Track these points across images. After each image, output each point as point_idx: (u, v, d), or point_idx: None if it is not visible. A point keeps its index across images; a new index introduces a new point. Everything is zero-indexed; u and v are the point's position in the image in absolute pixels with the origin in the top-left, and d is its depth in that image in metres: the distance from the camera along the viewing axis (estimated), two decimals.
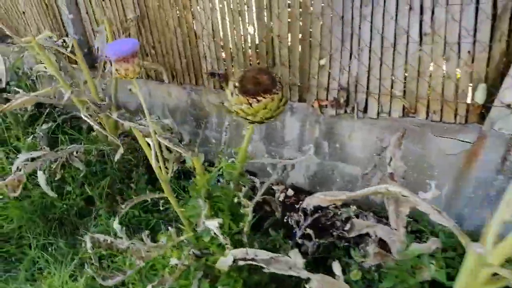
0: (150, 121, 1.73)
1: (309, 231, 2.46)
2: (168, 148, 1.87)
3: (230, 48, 2.49)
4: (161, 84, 3.07)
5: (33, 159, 2.71)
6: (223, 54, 2.55)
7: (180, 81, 2.91)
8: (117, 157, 2.64)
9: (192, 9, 2.52)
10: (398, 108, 2.02)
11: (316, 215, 2.55)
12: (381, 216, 2.40)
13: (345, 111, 2.19)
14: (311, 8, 2.07)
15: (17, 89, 2.71)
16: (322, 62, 2.14)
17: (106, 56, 1.54)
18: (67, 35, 3.53)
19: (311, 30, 2.12)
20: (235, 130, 2.79)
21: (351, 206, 2.53)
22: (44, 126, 3.30)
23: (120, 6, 2.91)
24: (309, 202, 1.45)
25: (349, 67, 2.09)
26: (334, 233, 2.43)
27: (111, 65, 2.86)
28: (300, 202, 2.68)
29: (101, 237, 1.94)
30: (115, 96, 2.95)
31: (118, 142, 2.61)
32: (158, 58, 2.93)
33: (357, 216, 2.44)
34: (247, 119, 1.30)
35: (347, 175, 2.44)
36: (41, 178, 2.60)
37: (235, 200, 1.75)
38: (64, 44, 3.16)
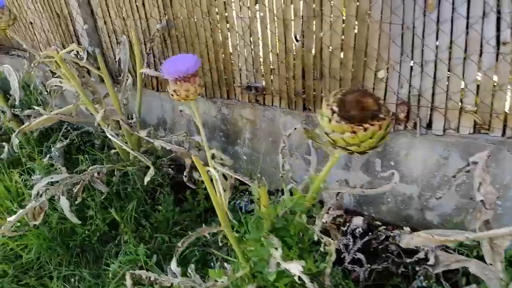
0: (206, 147, 1.53)
1: (359, 255, 2.27)
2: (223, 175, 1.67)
3: (270, 60, 2.30)
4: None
5: (53, 183, 2.50)
6: (262, 67, 2.36)
7: (210, 95, 2.71)
8: (147, 179, 2.44)
9: (227, 18, 2.33)
10: (468, 123, 1.85)
11: (366, 238, 2.36)
12: None
13: (405, 127, 2.01)
14: (369, 16, 1.89)
15: (36, 108, 2.49)
16: (381, 74, 1.96)
17: (163, 76, 1.33)
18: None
19: (367, 39, 1.94)
20: (266, 146, 2.61)
21: (404, 227, 2.35)
22: (59, 145, 3.07)
23: (143, 15, 2.72)
24: (409, 242, 1.26)
25: (410, 79, 1.91)
26: (389, 258, 2.24)
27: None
28: (347, 223, 2.49)
29: (143, 273, 1.74)
30: (139, 112, 2.74)
31: (148, 163, 2.40)
32: None
33: None
34: (348, 150, 1.11)
35: (401, 194, 2.26)
36: (65, 204, 2.38)
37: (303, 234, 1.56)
38: (79, 56, 2.96)
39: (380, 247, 2.31)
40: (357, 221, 2.46)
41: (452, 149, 1.93)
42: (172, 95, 1.38)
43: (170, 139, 2.69)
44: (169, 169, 3.07)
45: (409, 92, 1.94)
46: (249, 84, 2.46)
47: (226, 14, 2.32)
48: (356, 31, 1.95)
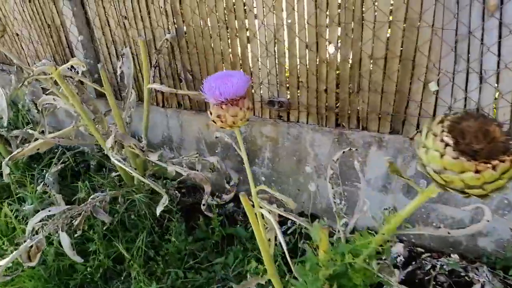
0: (251, 181, 1.26)
1: None
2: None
3: (298, 72, 2.05)
4: (197, 115, 2.59)
5: (50, 216, 2.18)
6: (288, 79, 2.11)
7: None
8: (160, 208, 2.14)
9: (249, 26, 2.08)
10: None
11: (410, 267, 2.11)
12: (495, 268, 1.98)
13: None
14: (419, 22, 1.66)
15: (31, 131, 2.18)
16: (433, 87, 1.73)
17: (205, 98, 1.07)
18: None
19: (416, 47, 1.71)
20: (289, 166, 2.35)
21: (451, 255, 2.11)
22: (53, 169, 2.75)
23: (149, 24, 2.44)
24: None
25: (466, 90, 1.68)
26: None
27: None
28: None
29: None
30: (146, 133, 2.45)
31: (162, 191, 2.11)
32: (196, 85, 2.46)
33: (465, 269, 2.01)
34: (465, 193, 0.85)
35: (448, 219, 2.02)
36: (65, 241, 2.07)
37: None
38: (73, 70, 2.66)
39: (426, 278, 2.06)
40: (398, 248, 2.21)
41: None
42: (215, 122, 1.11)
43: (181, 161, 2.41)
44: (176, 191, 2.78)
45: (465, 105, 1.71)
46: (272, 99, 2.20)
47: (247, 21, 2.07)
48: (403, 37, 1.72)
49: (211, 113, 1.12)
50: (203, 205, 2.21)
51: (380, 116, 1.93)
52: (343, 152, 1.54)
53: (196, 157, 2.41)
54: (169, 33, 2.31)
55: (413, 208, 1.09)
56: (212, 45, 2.26)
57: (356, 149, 2.02)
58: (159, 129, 2.91)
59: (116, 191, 2.45)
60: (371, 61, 1.82)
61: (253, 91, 2.29)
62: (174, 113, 2.71)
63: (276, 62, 2.09)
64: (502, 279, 1.94)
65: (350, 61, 1.87)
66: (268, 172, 2.54)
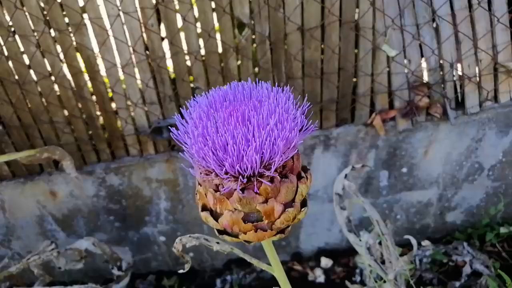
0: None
1: None
2: None
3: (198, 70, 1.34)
4: (29, 183, 1.58)
5: None
6: (178, 87, 1.37)
7: (79, 164, 1.53)
8: None
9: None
10: (506, 88, 1.38)
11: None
12: (471, 239, 1.75)
13: (429, 115, 1.41)
14: None
15: None
16: (390, 51, 1.29)
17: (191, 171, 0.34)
18: None
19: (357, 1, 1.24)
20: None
21: (421, 242, 1.79)
22: None
23: None
24: None
25: (436, 50, 1.31)
26: None
27: None
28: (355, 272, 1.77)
29: None
30: None
31: None
32: (15, 137, 1.46)
33: (446, 254, 1.71)
34: None
35: (414, 205, 1.69)
36: None
37: None
38: None
39: (413, 280, 1.70)
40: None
41: (488, 126, 1.44)
42: (220, 232, 0.39)
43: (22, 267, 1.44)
44: None
45: (428, 68, 1.35)
46: (158, 124, 1.43)
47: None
48: None
49: (211, 211, 0.41)
50: None
51: (321, 107, 1.42)
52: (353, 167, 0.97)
53: (53, 249, 1.44)
54: None
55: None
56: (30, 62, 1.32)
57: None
58: None
59: None
60: (302, 34, 1.27)
61: (118, 122, 1.46)
62: None
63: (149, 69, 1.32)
64: (482, 248, 1.72)
65: (268, 40, 1.28)
66: (168, 228, 1.75)
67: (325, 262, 1.79)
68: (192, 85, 1.38)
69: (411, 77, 1.36)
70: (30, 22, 1.25)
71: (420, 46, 1.32)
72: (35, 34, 1.26)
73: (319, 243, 1.83)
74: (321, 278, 1.74)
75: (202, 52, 1.30)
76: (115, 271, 1.62)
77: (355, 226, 1.08)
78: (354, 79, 1.38)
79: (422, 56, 1.34)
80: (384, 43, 1.29)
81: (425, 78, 1.38)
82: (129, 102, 1.41)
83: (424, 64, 1.36)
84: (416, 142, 1.49)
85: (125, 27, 1.26)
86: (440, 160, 1.54)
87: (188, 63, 1.35)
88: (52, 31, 1.27)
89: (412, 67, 1.34)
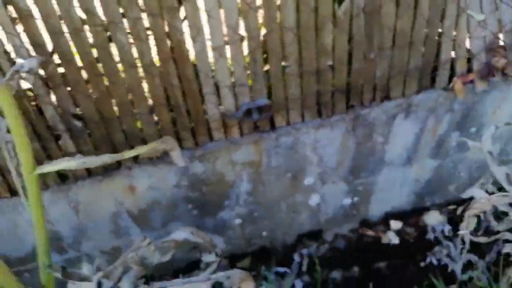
0: None
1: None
2: None
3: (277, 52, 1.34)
4: (107, 179, 1.52)
5: None
6: (256, 69, 1.37)
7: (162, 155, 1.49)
8: None
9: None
10: None
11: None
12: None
13: (504, 76, 1.50)
14: None
15: None
16: (477, 15, 1.35)
17: None
18: None
19: None
20: (279, 189, 1.69)
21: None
22: None
23: None
24: None
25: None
26: None
27: None
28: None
29: None
30: None
31: None
32: (96, 135, 1.40)
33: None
34: None
35: (477, 162, 1.80)
36: None
37: None
38: None
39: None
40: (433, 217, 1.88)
41: None
42: None
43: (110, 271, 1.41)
44: None
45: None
46: (249, 106, 1.42)
47: None
48: None
49: None
50: None
51: (406, 75, 1.46)
52: None
53: (149, 243, 1.42)
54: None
55: None
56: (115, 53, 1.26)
57: None
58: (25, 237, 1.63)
59: None
60: (397, 4, 1.30)
61: (203, 106, 1.44)
62: (54, 196, 1.53)
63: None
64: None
65: (362, 12, 1.29)
66: (246, 210, 1.76)
67: (395, 224, 1.88)
68: (283, 63, 1.38)
69: (490, 40, 1.43)
70: (120, 8, 1.19)
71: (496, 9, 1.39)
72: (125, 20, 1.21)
73: (387, 208, 1.91)
74: (395, 240, 1.83)
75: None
76: (206, 258, 1.63)
77: None
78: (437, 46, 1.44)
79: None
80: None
81: (501, 40, 1.45)
82: (218, 86, 1.39)
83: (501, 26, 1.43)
84: (488, 102, 1.58)
85: (221, 4, 1.23)
86: (506, 118, 1.64)
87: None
88: (144, 15, 1.22)
89: (491, 30, 1.41)
